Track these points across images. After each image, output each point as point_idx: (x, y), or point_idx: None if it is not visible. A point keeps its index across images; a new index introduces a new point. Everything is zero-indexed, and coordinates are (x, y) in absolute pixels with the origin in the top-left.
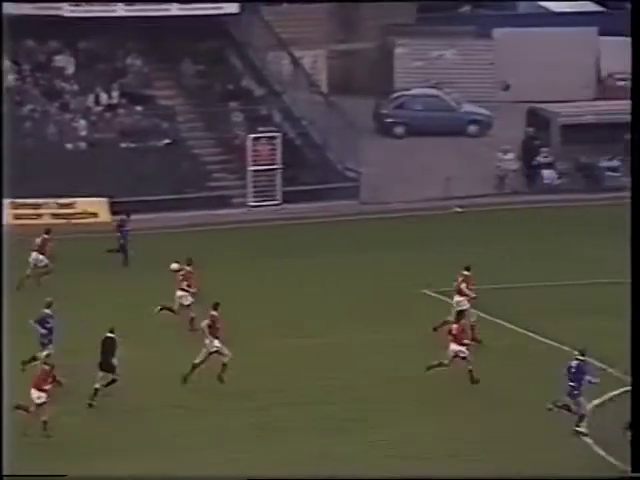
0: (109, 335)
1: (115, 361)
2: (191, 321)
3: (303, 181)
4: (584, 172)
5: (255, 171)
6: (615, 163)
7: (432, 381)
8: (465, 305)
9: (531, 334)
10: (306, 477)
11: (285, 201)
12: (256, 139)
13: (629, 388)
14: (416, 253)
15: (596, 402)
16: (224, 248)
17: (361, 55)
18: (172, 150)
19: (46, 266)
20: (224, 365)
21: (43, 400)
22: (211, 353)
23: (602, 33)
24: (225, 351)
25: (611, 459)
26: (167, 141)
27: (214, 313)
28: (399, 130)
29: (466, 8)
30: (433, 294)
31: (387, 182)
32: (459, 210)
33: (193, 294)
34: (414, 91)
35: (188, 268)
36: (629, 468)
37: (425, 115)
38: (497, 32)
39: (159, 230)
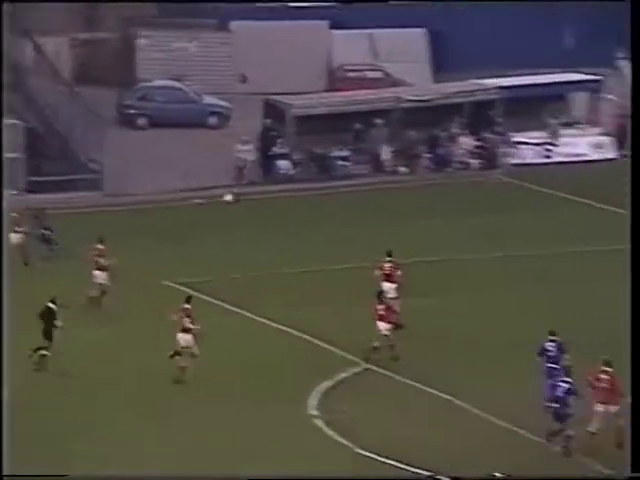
0: (49, 305)
1: (55, 331)
2: (102, 296)
3: (46, 171)
4: (317, 162)
5: None
6: (345, 153)
7: (162, 377)
8: (393, 293)
9: (268, 321)
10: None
11: (28, 191)
12: None
13: (359, 370)
14: (159, 245)
15: (328, 384)
16: None
17: (104, 45)
18: None
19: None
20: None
21: None
22: (183, 348)
23: (333, 26)
24: (194, 349)
25: (344, 441)
26: None
27: (187, 306)
28: (142, 121)
29: None
30: (174, 285)
31: (131, 174)
32: (200, 202)
33: (109, 272)
34: (156, 83)
35: (101, 246)
36: (361, 450)
37: (167, 107)
38: (235, 25)
39: None
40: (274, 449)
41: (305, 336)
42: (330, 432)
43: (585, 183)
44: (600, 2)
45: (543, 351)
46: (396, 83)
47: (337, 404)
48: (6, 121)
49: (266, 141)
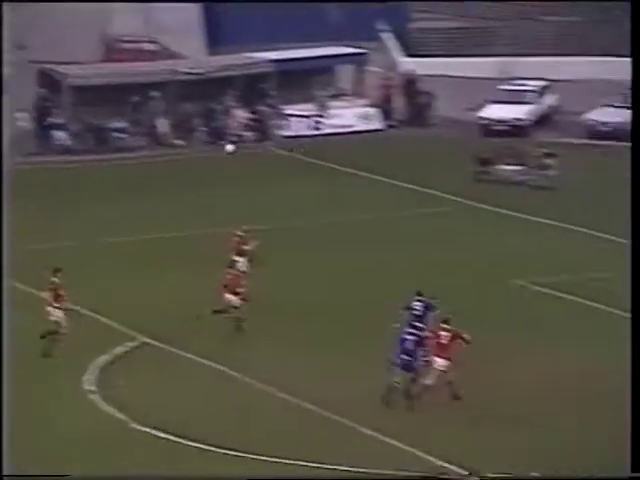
0: None
1: None
2: None
3: None
4: (94, 133)
5: None
6: (122, 124)
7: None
8: (245, 265)
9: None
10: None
11: None
12: None
13: (135, 344)
14: None
15: (106, 358)
16: None
17: None
18: None
19: None
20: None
21: None
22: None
23: None
24: (64, 323)
25: (121, 416)
26: None
27: (55, 280)
28: None
29: None
30: None
31: None
32: None
33: None
34: None
35: None
36: (136, 424)
37: None
38: None
39: None
40: (49, 425)
41: (83, 310)
42: (107, 407)
43: (351, 153)
44: None
45: (411, 311)
46: (172, 55)
47: (114, 379)
48: None
49: (41, 111)
